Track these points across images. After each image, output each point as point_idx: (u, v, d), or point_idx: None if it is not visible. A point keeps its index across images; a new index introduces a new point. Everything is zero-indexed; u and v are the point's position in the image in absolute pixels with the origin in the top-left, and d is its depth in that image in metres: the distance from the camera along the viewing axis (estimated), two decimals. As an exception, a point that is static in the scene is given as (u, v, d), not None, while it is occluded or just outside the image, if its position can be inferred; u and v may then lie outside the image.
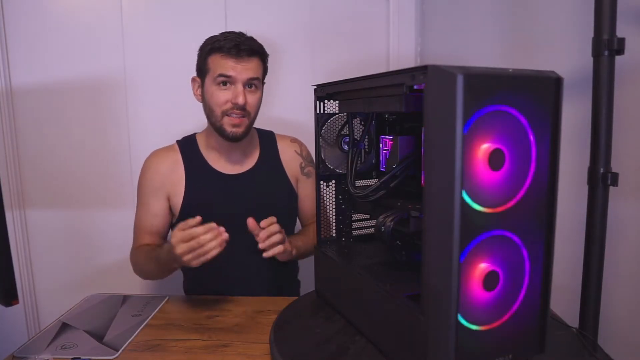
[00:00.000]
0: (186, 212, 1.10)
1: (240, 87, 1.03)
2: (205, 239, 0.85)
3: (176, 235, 0.86)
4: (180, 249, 0.85)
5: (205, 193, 1.11)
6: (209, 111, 1.08)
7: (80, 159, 1.54)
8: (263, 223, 0.94)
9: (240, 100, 1.02)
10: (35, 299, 1.59)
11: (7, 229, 0.68)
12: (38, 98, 1.50)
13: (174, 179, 1.11)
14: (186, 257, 0.86)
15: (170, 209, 1.13)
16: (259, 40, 1.10)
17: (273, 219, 0.96)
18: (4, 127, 1.48)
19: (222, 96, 1.04)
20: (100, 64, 1.49)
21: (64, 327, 0.90)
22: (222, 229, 0.87)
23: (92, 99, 1.51)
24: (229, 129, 1.06)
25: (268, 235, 0.93)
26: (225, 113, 1.05)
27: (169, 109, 1.52)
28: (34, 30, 1.46)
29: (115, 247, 1.57)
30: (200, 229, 0.85)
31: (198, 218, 0.87)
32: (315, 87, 0.88)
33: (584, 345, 0.73)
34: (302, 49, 1.54)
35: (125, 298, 1.05)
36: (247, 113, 1.06)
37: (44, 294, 1.59)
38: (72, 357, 0.78)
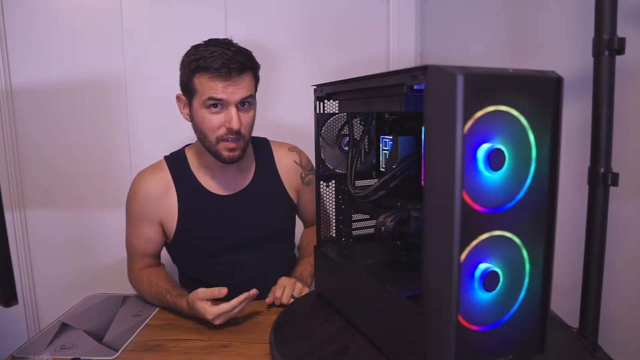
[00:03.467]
0: (180, 235, 1.07)
1: (233, 110, 0.96)
2: (238, 310, 0.89)
3: (210, 310, 0.87)
4: (218, 320, 0.87)
5: (200, 216, 1.07)
6: (201, 135, 1.01)
7: (80, 159, 1.54)
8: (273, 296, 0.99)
9: (235, 125, 0.96)
10: (35, 299, 1.59)
11: (6, 229, 0.68)
12: (38, 98, 1.50)
13: (166, 205, 1.06)
14: (218, 322, 0.88)
15: (164, 232, 1.09)
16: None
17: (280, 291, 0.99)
18: (4, 127, 1.48)
19: (214, 120, 0.97)
20: (100, 64, 1.49)
21: (63, 327, 0.90)
22: (253, 292, 0.90)
23: (92, 99, 1.51)
24: (225, 153, 1.00)
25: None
26: (220, 139, 0.98)
27: (168, 109, 1.51)
28: (34, 30, 1.46)
29: (115, 247, 1.57)
30: (234, 304, 0.87)
31: (224, 290, 0.88)
32: (315, 87, 0.87)
33: (584, 345, 0.73)
34: (302, 49, 1.54)
35: (125, 298, 1.05)
36: (242, 136, 0.99)
37: (44, 294, 1.59)
38: (72, 357, 0.78)
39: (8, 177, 1.49)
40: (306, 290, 1.00)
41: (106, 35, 1.48)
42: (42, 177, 1.54)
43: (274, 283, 1.03)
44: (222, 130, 0.98)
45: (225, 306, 0.87)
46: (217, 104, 0.96)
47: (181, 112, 1.06)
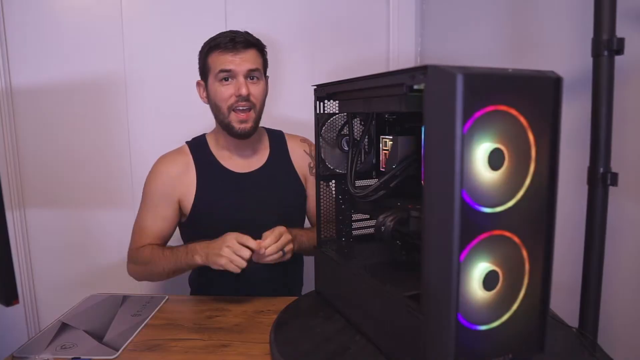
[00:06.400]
0: (196, 211, 1.11)
1: (241, 78, 1.05)
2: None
3: (232, 238, 0.93)
4: (225, 251, 0.92)
5: (217, 192, 1.12)
6: (215, 109, 1.09)
7: (80, 159, 1.54)
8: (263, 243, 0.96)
9: (244, 91, 1.04)
10: (35, 299, 1.59)
11: (7, 229, 0.68)
12: (38, 98, 1.50)
13: (185, 182, 1.11)
14: (224, 257, 0.92)
15: (180, 210, 1.13)
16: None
17: (274, 233, 0.97)
18: (4, 127, 1.48)
19: (225, 91, 1.06)
20: (100, 63, 1.49)
21: (63, 327, 0.90)
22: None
23: (92, 98, 1.51)
24: (237, 125, 1.07)
25: (268, 252, 0.95)
26: (232, 108, 1.06)
27: (169, 109, 1.52)
28: (34, 30, 1.46)
29: (115, 247, 1.57)
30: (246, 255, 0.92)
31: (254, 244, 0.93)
32: (315, 87, 0.88)
33: (584, 345, 0.73)
34: (302, 49, 1.55)
35: (124, 298, 1.05)
36: (252, 104, 1.07)
37: (44, 294, 1.59)
38: (72, 357, 0.78)
39: (8, 177, 1.49)
40: (290, 246, 0.99)
41: (106, 35, 1.48)
42: (42, 177, 1.54)
43: (280, 265, 1.05)
44: (233, 99, 1.06)
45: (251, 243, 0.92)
46: (227, 76, 1.06)
47: (200, 97, 1.15)
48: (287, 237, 0.98)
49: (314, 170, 1.22)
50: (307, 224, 1.28)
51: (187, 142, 1.18)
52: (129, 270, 1.13)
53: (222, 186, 1.12)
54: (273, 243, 0.95)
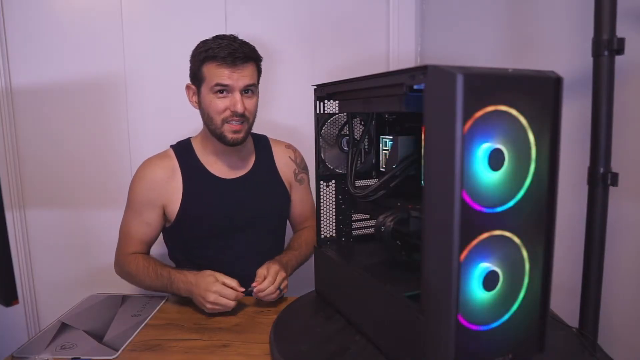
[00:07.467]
0: (182, 217, 1.10)
1: (237, 95, 1.03)
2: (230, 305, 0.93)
3: (215, 288, 0.93)
4: (211, 297, 0.92)
5: (203, 198, 1.11)
6: (207, 119, 1.07)
7: (80, 159, 1.54)
8: (260, 285, 0.96)
9: (240, 109, 1.03)
10: (35, 299, 1.59)
11: (7, 229, 0.68)
12: (38, 98, 1.50)
13: (170, 188, 1.10)
14: (210, 307, 0.93)
15: (165, 216, 1.12)
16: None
17: (271, 274, 0.98)
18: (4, 127, 1.48)
19: (220, 104, 1.04)
20: (100, 63, 1.49)
21: (63, 327, 0.90)
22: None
23: (92, 99, 1.51)
24: (229, 135, 1.06)
25: (265, 294, 0.97)
26: (225, 120, 1.05)
27: (168, 109, 1.52)
28: (34, 31, 1.46)
29: (114, 247, 1.57)
30: (233, 300, 0.93)
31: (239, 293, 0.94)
32: (315, 87, 0.88)
33: (584, 345, 0.73)
34: (302, 49, 1.54)
35: (124, 298, 1.05)
36: (246, 118, 1.06)
37: (44, 294, 1.59)
38: (72, 357, 0.78)
39: (8, 177, 1.49)
40: (285, 282, 1.01)
41: (106, 36, 1.48)
42: (42, 177, 1.54)
43: (260, 263, 1.05)
44: (227, 113, 1.05)
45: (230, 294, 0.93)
46: (223, 89, 1.04)
47: (190, 101, 1.13)
48: (282, 275, 0.99)
49: (298, 177, 1.23)
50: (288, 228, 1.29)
51: (171, 146, 1.16)
52: (117, 273, 1.14)
53: (208, 192, 1.12)
54: (271, 285, 0.96)
